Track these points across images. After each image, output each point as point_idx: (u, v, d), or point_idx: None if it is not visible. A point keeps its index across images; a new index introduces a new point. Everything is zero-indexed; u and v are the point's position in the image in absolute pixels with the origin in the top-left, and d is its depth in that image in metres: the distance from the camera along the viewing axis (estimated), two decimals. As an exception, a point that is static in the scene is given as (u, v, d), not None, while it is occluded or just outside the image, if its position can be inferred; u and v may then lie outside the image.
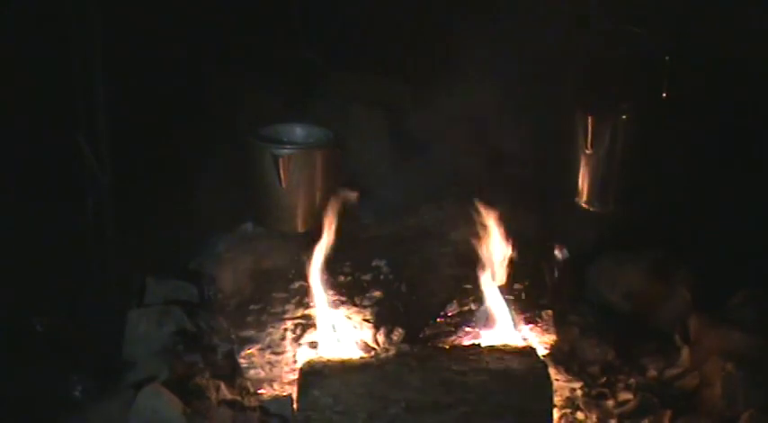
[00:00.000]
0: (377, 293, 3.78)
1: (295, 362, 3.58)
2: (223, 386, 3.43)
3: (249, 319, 3.77)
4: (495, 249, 3.86)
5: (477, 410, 3.09)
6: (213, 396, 3.38)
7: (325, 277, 3.68)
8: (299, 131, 4.11)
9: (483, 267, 3.72)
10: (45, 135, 3.83)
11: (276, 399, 3.44)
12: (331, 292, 3.72)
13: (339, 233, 3.73)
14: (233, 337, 3.69)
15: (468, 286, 3.74)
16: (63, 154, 3.95)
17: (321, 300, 3.63)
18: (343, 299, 3.74)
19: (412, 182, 4.13)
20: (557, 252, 3.93)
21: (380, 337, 3.62)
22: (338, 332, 3.61)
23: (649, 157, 4.01)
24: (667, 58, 3.92)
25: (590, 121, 3.98)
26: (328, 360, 3.27)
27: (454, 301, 3.73)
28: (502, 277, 3.75)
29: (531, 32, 4.14)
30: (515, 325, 3.63)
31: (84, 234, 4.06)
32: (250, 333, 3.71)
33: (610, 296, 3.90)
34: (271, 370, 3.59)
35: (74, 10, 3.87)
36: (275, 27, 4.38)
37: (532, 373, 3.18)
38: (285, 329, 3.72)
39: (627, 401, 3.42)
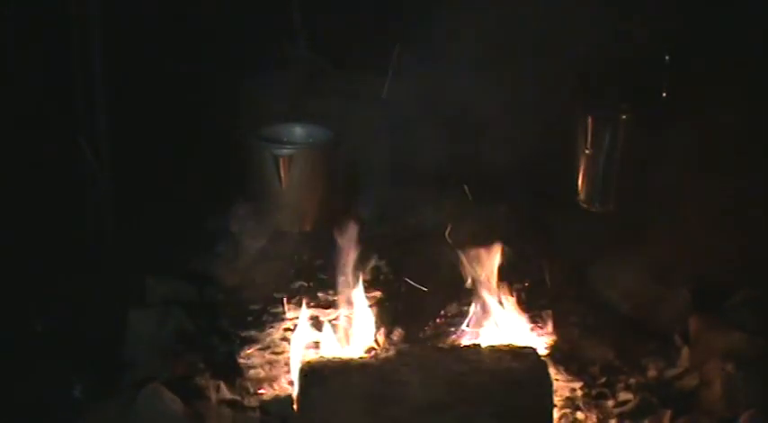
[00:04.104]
0: (377, 293, 3.79)
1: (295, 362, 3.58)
2: (223, 386, 3.43)
3: (249, 319, 3.77)
4: (495, 250, 3.87)
5: (477, 410, 3.09)
6: (213, 396, 3.38)
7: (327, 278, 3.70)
8: (299, 131, 4.11)
9: (483, 267, 3.72)
10: (45, 135, 3.83)
11: (276, 399, 3.44)
12: (331, 292, 3.73)
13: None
14: (233, 337, 3.69)
15: (468, 286, 3.74)
16: (63, 154, 3.95)
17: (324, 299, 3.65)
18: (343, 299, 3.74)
19: (412, 181, 4.13)
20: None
21: (380, 337, 3.62)
22: (339, 332, 3.61)
23: (649, 157, 4.02)
24: (667, 57, 3.92)
25: (590, 121, 3.98)
26: (328, 360, 3.27)
27: (454, 301, 3.73)
28: (501, 277, 3.75)
29: (532, 32, 4.14)
30: (515, 325, 3.63)
31: (85, 234, 4.06)
32: (250, 333, 3.71)
33: (610, 296, 3.90)
34: (271, 370, 3.59)
35: (74, 10, 3.87)
36: (275, 27, 4.38)
37: (532, 373, 3.18)
38: (285, 329, 3.72)
39: (627, 401, 3.42)
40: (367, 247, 3.92)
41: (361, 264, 3.82)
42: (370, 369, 3.19)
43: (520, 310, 3.70)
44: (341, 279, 3.75)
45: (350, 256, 3.70)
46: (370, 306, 3.72)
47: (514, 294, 3.75)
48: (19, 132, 3.76)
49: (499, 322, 3.62)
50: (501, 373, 3.16)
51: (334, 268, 3.73)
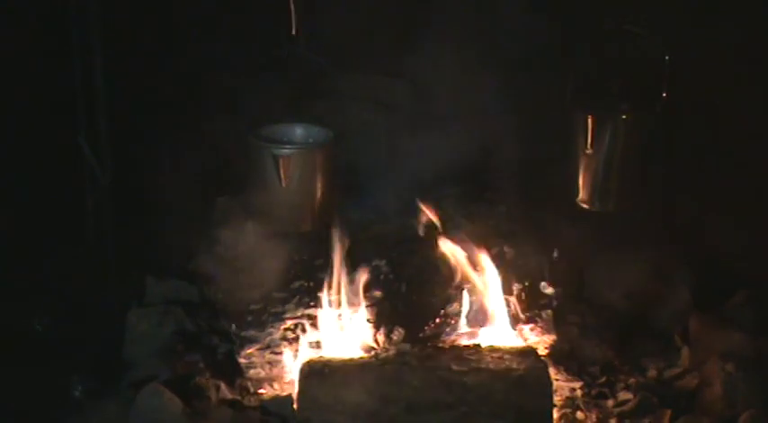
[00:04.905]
0: (377, 293, 3.79)
1: (295, 362, 3.59)
2: (223, 386, 3.43)
3: (249, 319, 3.77)
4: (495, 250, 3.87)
5: (477, 410, 3.09)
6: (213, 396, 3.39)
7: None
8: (299, 131, 4.11)
9: (483, 267, 3.73)
10: (45, 135, 3.83)
11: (276, 399, 3.44)
12: (332, 292, 3.73)
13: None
14: (233, 337, 3.69)
15: (468, 286, 3.74)
16: (63, 154, 3.95)
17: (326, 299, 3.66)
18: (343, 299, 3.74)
19: (412, 181, 4.13)
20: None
21: (380, 337, 3.62)
22: (339, 332, 3.62)
23: (649, 156, 4.01)
24: (667, 57, 3.92)
25: (590, 121, 3.98)
26: (328, 360, 3.27)
27: (454, 302, 3.73)
28: (502, 277, 3.75)
29: (532, 32, 4.14)
30: (514, 325, 3.64)
31: (85, 234, 4.06)
32: (250, 333, 3.71)
33: (610, 296, 3.90)
34: (271, 370, 3.59)
35: (74, 9, 3.87)
36: (275, 27, 4.38)
37: (532, 373, 3.18)
38: (285, 329, 3.72)
39: (627, 401, 3.43)
40: (367, 247, 3.93)
41: (360, 264, 3.83)
42: (370, 369, 3.20)
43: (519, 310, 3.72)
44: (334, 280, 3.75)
45: (349, 256, 3.71)
46: (371, 306, 3.73)
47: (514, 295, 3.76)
48: (19, 132, 3.76)
49: (498, 321, 3.62)
50: (501, 373, 3.16)
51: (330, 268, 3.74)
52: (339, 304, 3.67)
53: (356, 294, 3.67)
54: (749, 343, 3.50)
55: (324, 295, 3.68)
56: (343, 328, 3.62)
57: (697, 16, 3.87)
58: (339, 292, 3.67)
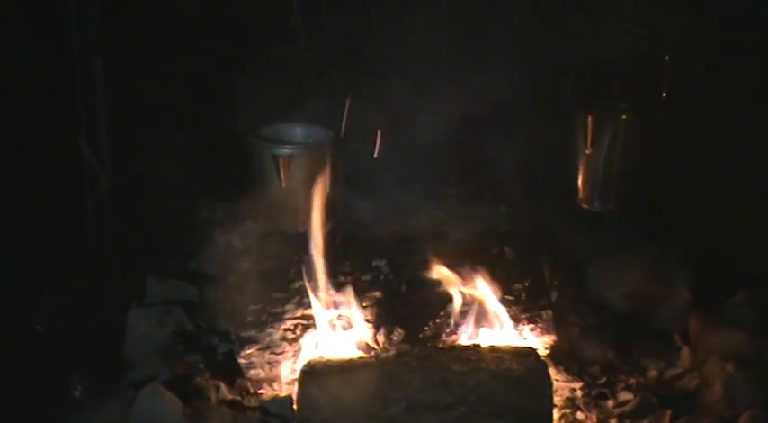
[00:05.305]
0: (377, 293, 3.79)
1: (295, 362, 3.58)
2: (223, 386, 3.43)
3: (249, 319, 3.77)
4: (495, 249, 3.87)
5: (477, 410, 3.09)
6: (213, 396, 3.38)
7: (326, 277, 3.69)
8: (299, 131, 4.11)
9: (482, 267, 3.73)
10: (45, 135, 3.83)
11: (276, 399, 3.44)
12: (332, 292, 3.73)
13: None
14: (233, 337, 3.69)
15: (468, 286, 3.74)
16: (63, 154, 3.95)
17: (320, 300, 3.64)
18: (344, 299, 3.74)
19: (412, 181, 4.13)
20: None
21: (380, 337, 3.62)
22: (338, 332, 3.61)
23: (649, 156, 4.02)
24: (667, 58, 3.92)
25: (590, 121, 3.98)
26: (328, 360, 3.27)
27: (454, 302, 3.73)
28: (501, 277, 3.76)
29: (532, 32, 4.14)
30: (515, 325, 3.64)
31: (85, 234, 4.06)
32: (250, 333, 3.71)
33: (610, 296, 3.90)
34: (271, 370, 3.59)
35: (74, 9, 3.87)
36: (275, 27, 4.38)
37: (532, 373, 3.18)
38: (285, 329, 3.72)
39: (627, 401, 3.43)
40: (367, 247, 3.94)
41: (360, 264, 3.83)
42: (370, 369, 3.20)
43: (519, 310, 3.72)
44: (340, 279, 3.75)
45: (349, 256, 3.71)
46: (371, 306, 3.73)
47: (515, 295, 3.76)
48: (19, 132, 3.76)
49: (498, 322, 3.62)
50: (501, 373, 3.16)
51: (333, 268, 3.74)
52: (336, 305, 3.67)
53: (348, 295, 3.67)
54: (749, 343, 3.50)
55: (322, 295, 3.69)
56: (337, 327, 3.62)
57: (697, 16, 3.88)
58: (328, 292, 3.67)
